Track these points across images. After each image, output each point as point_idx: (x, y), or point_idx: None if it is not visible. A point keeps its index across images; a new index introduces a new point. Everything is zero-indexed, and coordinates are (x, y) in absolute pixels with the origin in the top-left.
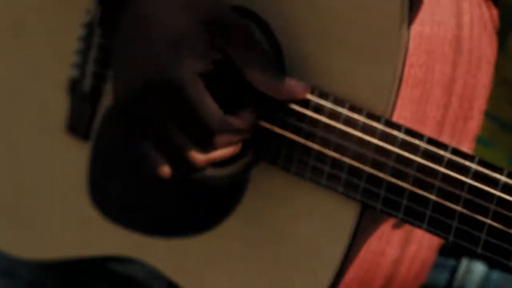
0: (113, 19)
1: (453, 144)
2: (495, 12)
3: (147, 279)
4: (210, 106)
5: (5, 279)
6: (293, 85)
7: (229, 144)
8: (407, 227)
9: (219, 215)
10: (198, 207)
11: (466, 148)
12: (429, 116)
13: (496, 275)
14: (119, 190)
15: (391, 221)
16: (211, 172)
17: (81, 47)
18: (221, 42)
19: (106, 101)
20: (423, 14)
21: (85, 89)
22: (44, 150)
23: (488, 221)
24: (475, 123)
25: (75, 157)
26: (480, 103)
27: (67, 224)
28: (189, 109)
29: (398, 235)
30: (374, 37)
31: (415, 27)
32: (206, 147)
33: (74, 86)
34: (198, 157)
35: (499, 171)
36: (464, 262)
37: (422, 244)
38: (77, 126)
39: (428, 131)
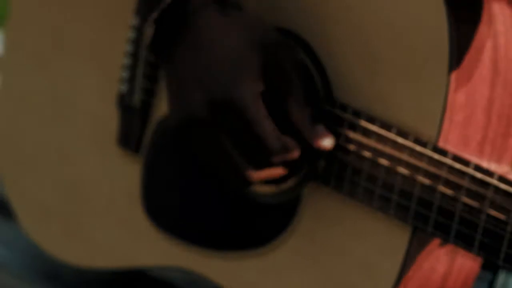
0: (168, 42)
1: (492, 161)
2: None
3: (188, 285)
4: (269, 127)
5: (49, 283)
6: (321, 133)
7: (282, 164)
8: None
9: (273, 232)
10: (253, 223)
11: (506, 164)
12: (471, 138)
13: None
14: (174, 203)
15: (437, 239)
16: (264, 188)
17: (129, 63)
18: (272, 67)
19: (156, 114)
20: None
21: (135, 104)
22: (96, 162)
23: None
24: None
25: (127, 169)
26: None
27: (120, 234)
28: (250, 129)
29: (445, 251)
30: (422, 61)
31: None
32: (262, 166)
33: (123, 101)
34: (253, 175)
35: None
36: (502, 275)
37: (468, 256)
38: (128, 140)
39: (470, 152)
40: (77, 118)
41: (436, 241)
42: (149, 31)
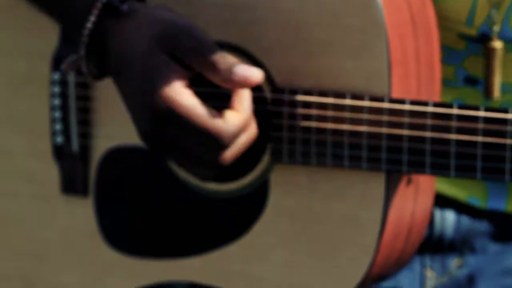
0: (102, 66)
1: None
2: None
3: None
4: (200, 111)
5: None
6: (245, 71)
7: (243, 132)
8: (415, 181)
9: (249, 220)
10: (228, 218)
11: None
12: (411, 87)
13: (464, 219)
14: (139, 226)
15: (404, 180)
16: (229, 186)
17: (59, 115)
18: (182, 53)
19: (96, 154)
20: (387, 4)
21: (74, 151)
22: (44, 216)
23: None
24: (438, 82)
25: (81, 213)
26: (438, 65)
27: (90, 272)
28: (190, 122)
29: (410, 190)
30: (360, 32)
31: (386, 18)
32: (222, 147)
33: (61, 152)
34: (224, 156)
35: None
36: (437, 213)
37: (426, 193)
38: (74, 186)
39: (412, 99)
40: (16, 182)
41: (404, 181)
42: (83, 66)
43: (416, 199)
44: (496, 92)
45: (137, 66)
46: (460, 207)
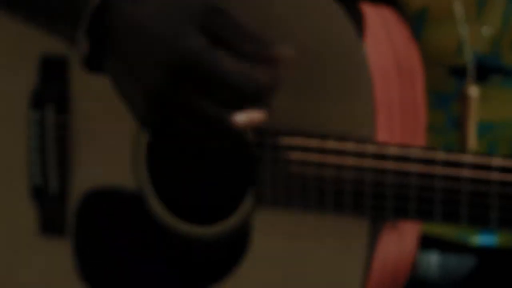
0: (101, 52)
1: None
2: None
3: None
4: (228, 64)
5: None
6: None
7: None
8: (399, 225)
9: (231, 264)
10: (210, 261)
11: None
12: (394, 131)
13: (451, 259)
14: (117, 268)
15: (388, 224)
16: (211, 229)
17: (36, 157)
18: (209, 25)
19: (74, 194)
20: (371, 48)
21: (52, 191)
22: (24, 257)
23: (494, 202)
24: (422, 126)
25: (58, 253)
26: (422, 109)
27: None
28: (212, 74)
29: (395, 234)
30: (340, 77)
31: (371, 62)
32: (239, 106)
33: (39, 192)
34: (235, 120)
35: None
36: (422, 256)
37: (411, 237)
38: (52, 226)
39: (396, 142)
40: None
41: (388, 226)
42: (82, 48)
43: (400, 243)
44: (472, 143)
45: (157, 27)
46: (445, 245)
